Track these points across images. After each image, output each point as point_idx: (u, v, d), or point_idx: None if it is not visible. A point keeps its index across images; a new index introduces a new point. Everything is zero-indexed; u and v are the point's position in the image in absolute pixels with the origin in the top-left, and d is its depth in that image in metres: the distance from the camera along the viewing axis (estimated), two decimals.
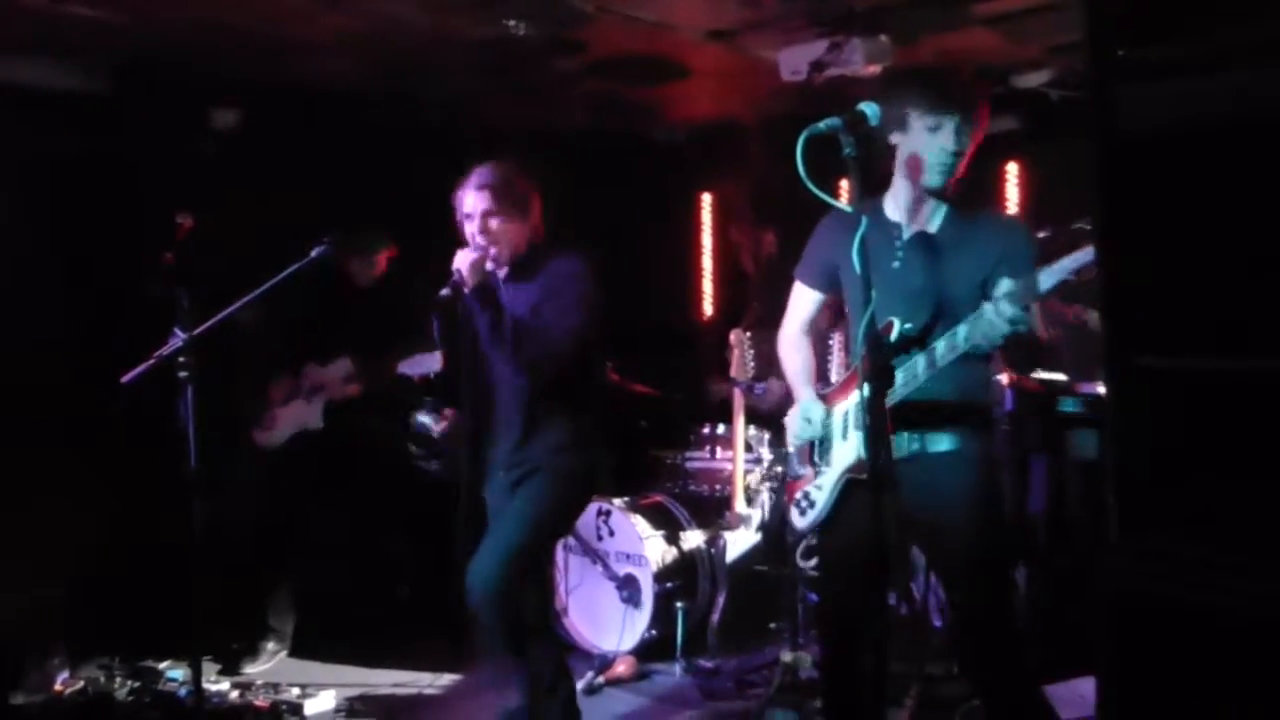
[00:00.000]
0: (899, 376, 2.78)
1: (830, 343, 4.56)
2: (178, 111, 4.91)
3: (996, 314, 2.60)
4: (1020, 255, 2.77)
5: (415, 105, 5.44)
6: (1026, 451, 4.53)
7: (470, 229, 3.49)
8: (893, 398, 2.77)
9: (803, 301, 3.19)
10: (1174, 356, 1.74)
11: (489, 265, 3.42)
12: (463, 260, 3.32)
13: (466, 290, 3.31)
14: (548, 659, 3.58)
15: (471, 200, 3.49)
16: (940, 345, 2.73)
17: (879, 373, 2.39)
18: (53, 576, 4.47)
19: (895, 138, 2.84)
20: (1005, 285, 2.63)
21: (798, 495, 3.13)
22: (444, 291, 3.33)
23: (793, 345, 3.21)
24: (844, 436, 3.00)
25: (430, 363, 4.35)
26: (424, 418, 4.95)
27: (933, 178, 2.82)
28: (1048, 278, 2.53)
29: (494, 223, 3.47)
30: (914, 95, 2.77)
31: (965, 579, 2.90)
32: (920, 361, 2.76)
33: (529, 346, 3.35)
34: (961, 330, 2.68)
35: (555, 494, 3.54)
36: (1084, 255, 2.42)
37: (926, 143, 2.79)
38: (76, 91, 4.71)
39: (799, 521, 3.13)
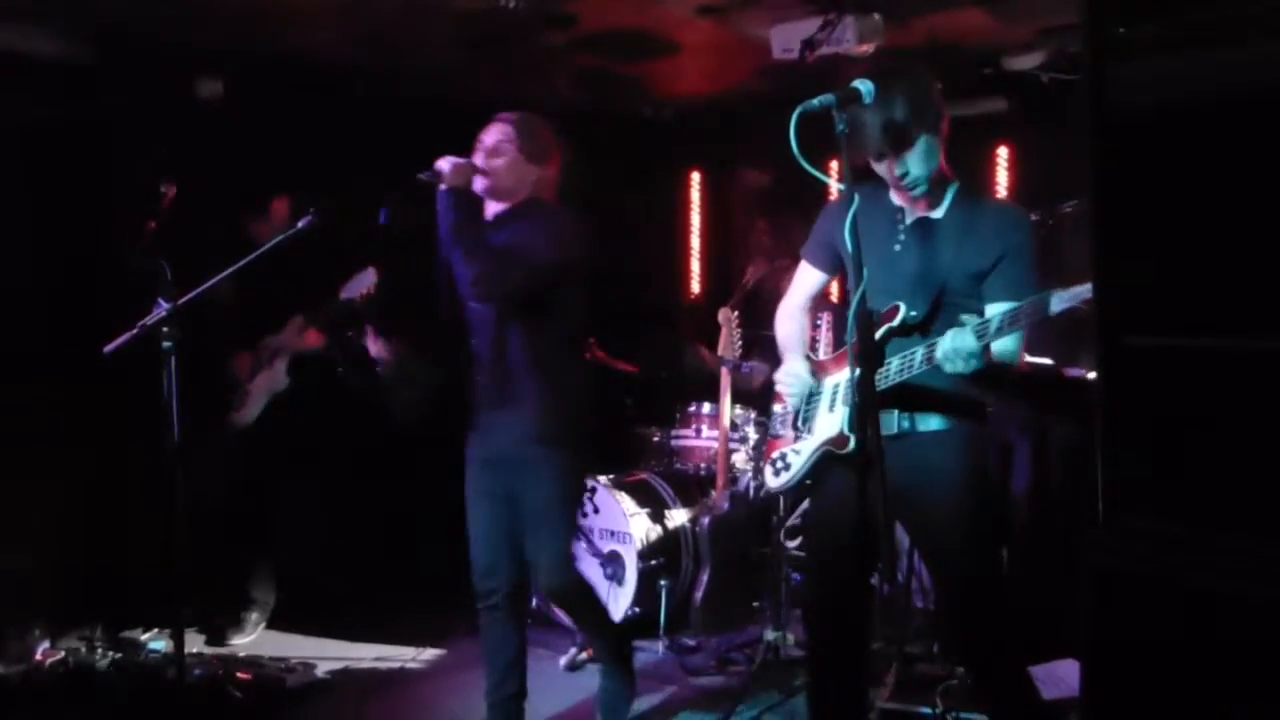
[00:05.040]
0: (894, 363, 2.78)
1: (819, 323, 4.56)
2: (161, 80, 4.85)
3: (961, 342, 2.61)
4: (1020, 261, 2.76)
5: (400, 78, 5.40)
6: (1010, 432, 4.54)
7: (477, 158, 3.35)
8: (886, 382, 2.77)
9: (805, 280, 3.20)
10: (1164, 336, 1.74)
11: (477, 183, 3.28)
12: (446, 160, 3.16)
13: (442, 186, 3.16)
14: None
15: (491, 130, 3.38)
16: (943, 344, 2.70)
17: (868, 354, 2.39)
18: (33, 546, 4.44)
19: None
20: (965, 319, 2.65)
21: (774, 455, 3.16)
22: (420, 174, 3.16)
23: (789, 315, 3.22)
24: (830, 408, 3.01)
25: (366, 279, 4.35)
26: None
27: (910, 193, 2.84)
28: (1058, 302, 2.49)
29: (503, 157, 3.34)
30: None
31: (951, 557, 2.90)
32: (919, 354, 2.76)
33: (491, 259, 3.21)
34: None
35: (569, 480, 3.51)
36: None
37: (883, 171, 2.83)
38: (59, 58, 4.64)
39: (772, 481, 3.16)
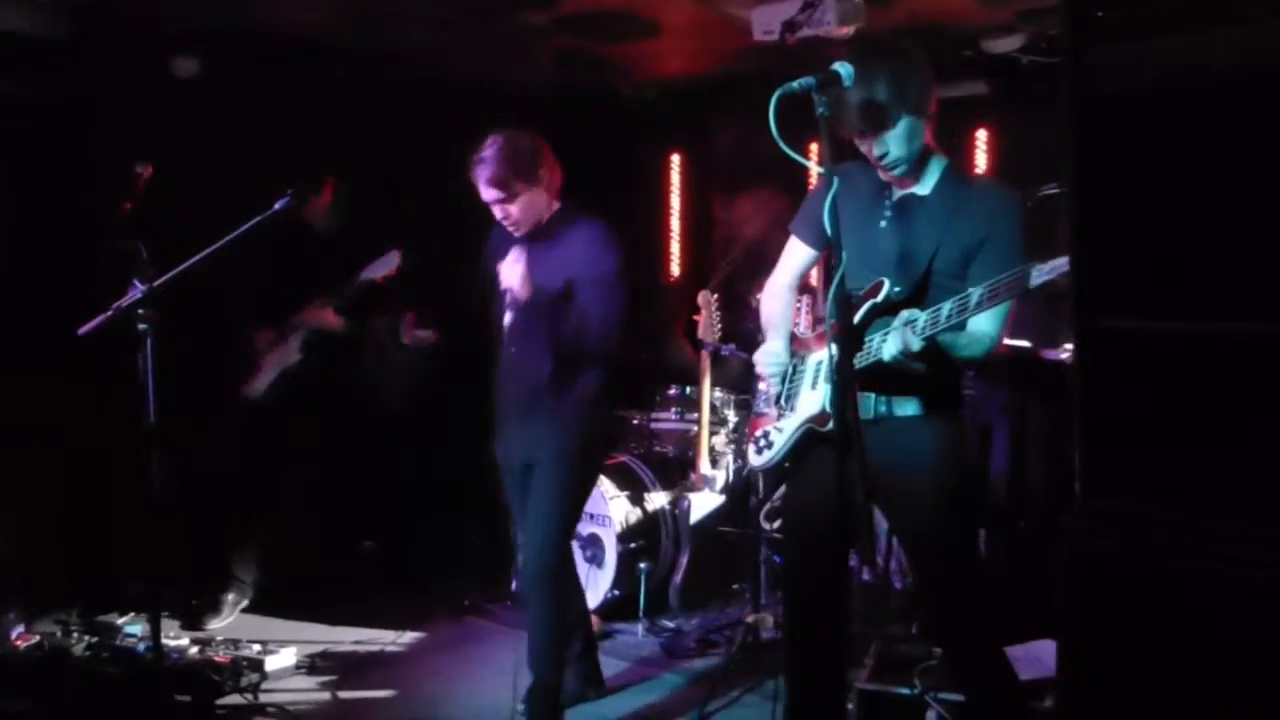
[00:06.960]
0: (874, 341, 2.76)
1: (799, 305, 4.56)
2: (138, 57, 4.79)
3: (902, 339, 2.62)
4: (1004, 244, 2.72)
5: (379, 57, 5.35)
6: (990, 415, 4.55)
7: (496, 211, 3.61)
8: (866, 359, 2.77)
9: (794, 255, 3.15)
10: (1142, 319, 1.74)
11: (512, 230, 3.59)
12: (511, 277, 3.42)
13: (524, 300, 3.45)
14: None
15: (485, 195, 3.57)
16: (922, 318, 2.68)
17: (847, 334, 2.39)
18: (9, 530, 4.41)
19: None
20: (905, 315, 2.64)
21: (758, 433, 3.14)
22: (508, 319, 3.61)
23: (775, 294, 3.18)
24: (812, 386, 2.99)
25: (389, 261, 4.51)
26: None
27: (891, 173, 2.82)
28: (1038, 275, 2.44)
29: (515, 201, 3.56)
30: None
31: (927, 542, 2.89)
32: (874, 341, 2.76)
33: (567, 342, 3.52)
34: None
35: (582, 468, 3.68)
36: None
37: (865, 149, 2.81)
38: (34, 35, 4.58)
39: (754, 459, 3.14)
